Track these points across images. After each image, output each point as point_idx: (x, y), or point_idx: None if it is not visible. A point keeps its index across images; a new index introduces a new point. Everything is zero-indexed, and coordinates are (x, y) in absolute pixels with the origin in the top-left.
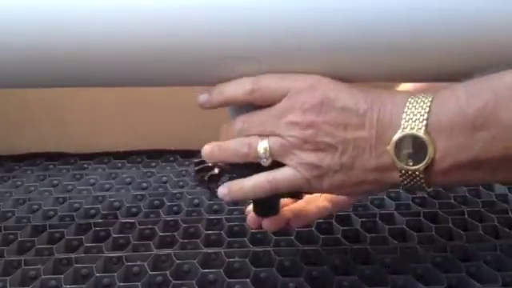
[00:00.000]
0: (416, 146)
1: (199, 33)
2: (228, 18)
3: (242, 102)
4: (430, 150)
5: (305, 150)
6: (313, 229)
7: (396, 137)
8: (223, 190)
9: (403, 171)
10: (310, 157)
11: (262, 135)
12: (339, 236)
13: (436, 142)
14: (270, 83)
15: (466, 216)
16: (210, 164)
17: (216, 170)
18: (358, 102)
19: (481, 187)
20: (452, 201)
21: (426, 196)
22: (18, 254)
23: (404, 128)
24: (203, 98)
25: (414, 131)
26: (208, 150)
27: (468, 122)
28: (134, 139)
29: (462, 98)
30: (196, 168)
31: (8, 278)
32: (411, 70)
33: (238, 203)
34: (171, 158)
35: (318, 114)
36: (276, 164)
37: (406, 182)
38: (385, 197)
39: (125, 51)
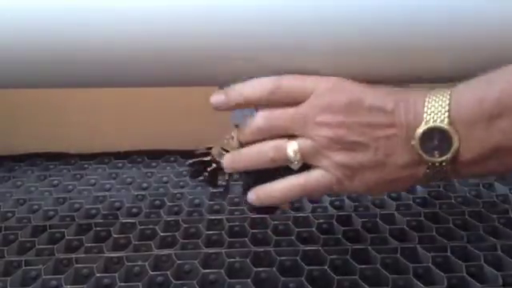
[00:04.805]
0: (440, 138)
1: (200, 33)
2: (228, 18)
3: (262, 102)
4: (455, 141)
5: (336, 151)
6: (313, 229)
7: (420, 130)
8: (251, 196)
9: (430, 164)
10: (342, 157)
11: (288, 136)
12: (340, 236)
13: (460, 133)
14: (291, 83)
15: (467, 216)
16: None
17: (214, 165)
18: (384, 100)
19: (481, 187)
20: (452, 201)
21: (426, 196)
22: (19, 255)
23: (427, 121)
24: (219, 99)
25: (438, 123)
26: (229, 158)
27: (486, 111)
28: (135, 139)
29: (479, 88)
30: (191, 161)
31: (9, 278)
32: (412, 70)
33: (239, 203)
34: (172, 158)
35: (347, 114)
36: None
37: (433, 175)
38: (385, 197)
39: (125, 51)
